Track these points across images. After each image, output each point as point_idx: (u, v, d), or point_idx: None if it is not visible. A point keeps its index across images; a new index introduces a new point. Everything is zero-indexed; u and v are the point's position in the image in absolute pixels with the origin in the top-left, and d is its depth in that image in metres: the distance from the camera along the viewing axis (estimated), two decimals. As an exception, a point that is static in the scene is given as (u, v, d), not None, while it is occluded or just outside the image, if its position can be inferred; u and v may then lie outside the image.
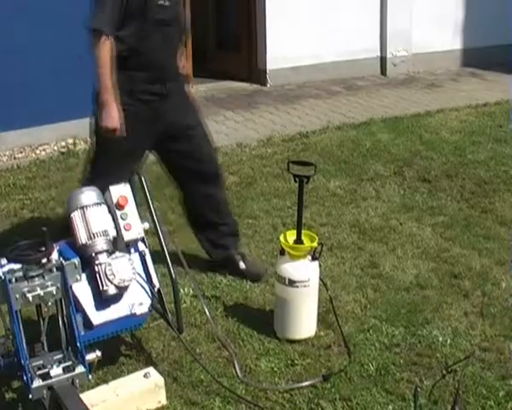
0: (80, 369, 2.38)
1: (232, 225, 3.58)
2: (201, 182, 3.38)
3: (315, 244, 2.98)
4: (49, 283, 2.35)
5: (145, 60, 3.08)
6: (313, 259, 2.99)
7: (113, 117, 3.00)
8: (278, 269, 3.00)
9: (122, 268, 2.57)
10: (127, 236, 2.68)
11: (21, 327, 2.33)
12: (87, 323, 2.55)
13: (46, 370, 2.36)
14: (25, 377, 2.32)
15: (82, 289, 2.56)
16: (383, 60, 8.19)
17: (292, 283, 2.95)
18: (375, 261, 3.71)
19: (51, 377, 2.34)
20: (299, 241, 2.98)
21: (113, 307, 2.61)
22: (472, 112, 6.65)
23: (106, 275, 2.55)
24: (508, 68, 7.97)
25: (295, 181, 2.98)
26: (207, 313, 2.87)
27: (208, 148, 3.49)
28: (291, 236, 3.02)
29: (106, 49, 2.96)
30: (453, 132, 5.98)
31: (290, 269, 2.96)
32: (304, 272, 2.96)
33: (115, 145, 3.08)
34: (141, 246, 2.73)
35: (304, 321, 3.03)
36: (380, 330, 3.07)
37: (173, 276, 2.68)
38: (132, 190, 2.78)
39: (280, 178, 4.82)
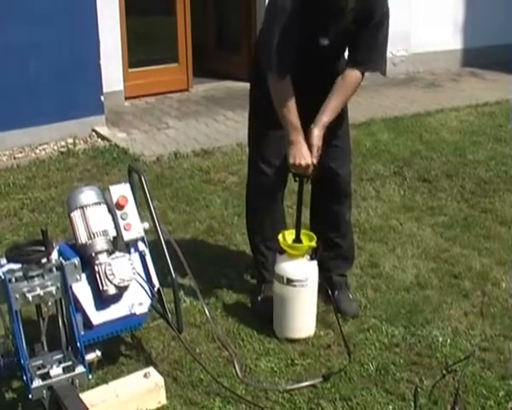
0: (80, 369, 2.38)
1: (346, 248, 3.35)
2: (329, 196, 3.19)
3: (313, 244, 2.98)
4: (49, 283, 2.35)
5: None
6: (311, 258, 2.99)
7: (304, 154, 2.85)
8: (277, 268, 3.00)
9: (122, 268, 2.57)
10: (127, 235, 2.68)
11: (21, 327, 2.33)
12: (87, 323, 2.55)
13: (46, 370, 2.36)
14: (25, 377, 2.32)
15: (82, 289, 2.56)
16: (383, 60, 8.18)
17: (290, 282, 2.95)
18: (374, 261, 3.71)
19: (51, 377, 2.34)
20: (297, 240, 2.98)
21: (112, 306, 2.61)
22: (472, 112, 6.64)
23: (106, 275, 2.55)
24: (508, 68, 7.96)
25: (295, 181, 2.98)
26: (207, 312, 2.86)
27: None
28: (290, 235, 3.02)
29: (281, 88, 2.86)
30: (453, 132, 5.98)
31: (288, 268, 2.96)
32: (302, 271, 2.96)
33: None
34: (141, 246, 2.73)
35: (302, 320, 3.03)
36: (380, 329, 3.07)
37: (173, 276, 2.68)
38: (132, 190, 2.78)
39: (280, 178, 4.81)
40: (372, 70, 2.98)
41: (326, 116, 2.89)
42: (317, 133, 2.86)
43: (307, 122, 2.92)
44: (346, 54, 3.05)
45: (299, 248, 2.97)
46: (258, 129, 3.16)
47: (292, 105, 2.87)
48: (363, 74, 2.95)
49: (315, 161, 2.88)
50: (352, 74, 2.93)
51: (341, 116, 3.04)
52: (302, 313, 3.01)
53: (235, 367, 2.73)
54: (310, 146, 2.86)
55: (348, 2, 2.68)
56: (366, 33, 2.85)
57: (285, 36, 2.78)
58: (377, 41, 2.92)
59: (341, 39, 2.95)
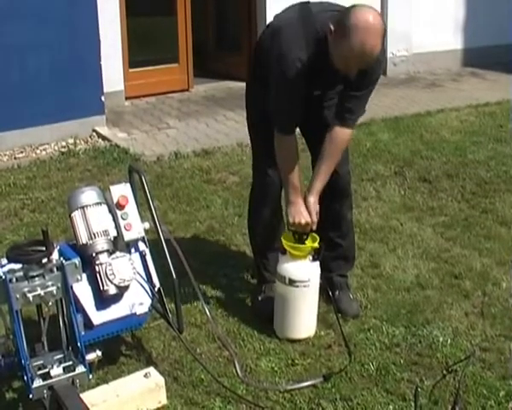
0: (81, 369, 2.38)
1: (347, 248, 3.38)
2: (329, 196, 3.18)
3: (316, 245, 2.98)
4: (50, 283, 2.35)
5: None
6: (314, 259, 2.99)
7: (303, 213, 2.93)
8: (279, 268, 3.00)
9: (122, 268, 2.57)
10: (128, 236, 2.68)
11: (22, 327, 2.33)
12: (87, 323, 2.55)
13: (46, 370, 2.36)
14: (25, 377, 2.32)
15: (82, 289, 2.56)
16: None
17: (292, 282, 2.95)
18: (375, 261, 3.71)
19: (52, 377, 2.34)
20: (300, 241, 2.98)
21: (113, 306, 2.61)
22: (472, 112, 6.64)
23: (106, 275, 2.55)
24: (508, 68, 7.96)
25: (294, 238, 2.99)
26: (208, 312, 2.86)
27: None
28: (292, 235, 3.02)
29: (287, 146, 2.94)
30: (453, 132, 5.97)
31: (290, 269, 2.96)
32: (304, 271, 2.96)
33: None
34: (141, 246, 2.73)
35: (304, 321, 3.03)
36: (380, 330, 3.07)
37: (173, 276, 2.68)
38: (133, 190, 2.78)
39: (280, 178, 4.81)
40: (350, 127, 3.01)
41: (319, 182, 2.99)
42: (313, 200, 2.97)
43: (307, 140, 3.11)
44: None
45: (301, 248, 2.97)
46: (260, 133, 3.17)
47: (295, 165, 2.95)
48: (352, 129, 3.00)
49: (314, 227, 2.97)
50: (342, 133, 2.97)
51: None
52: (303, 314, 3.01)
53: (235, 367, 2.73)
54: (308, 212, 2.95)
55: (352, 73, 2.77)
56: (357, 93, 2.91)
57: (295, 97, 2.85)
58: (365, 100, 2.99)
59: (334, 88, 3.05)
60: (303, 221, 2.93)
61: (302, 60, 2.77)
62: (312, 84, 2.89)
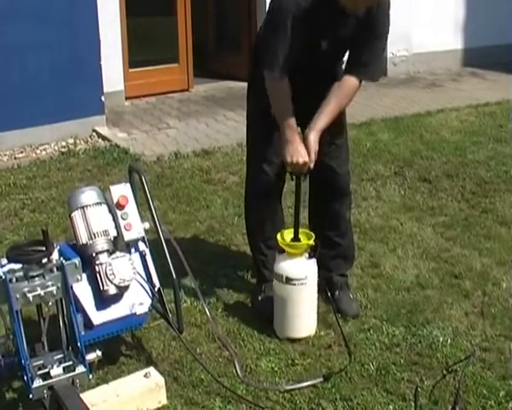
0: (81, 369, 2.38)
1: (346, 247, 3.35)
2: (328, 195, 3.18)
3: (311, 242, 2.98)
4: (50, 283, 2.35)
5: None
6: (310, 257, 2.99)
7: (301, 152, 2.83)
8: (276, 267, 3.00)
9: (122, 268, 2.57)
10: (128, 236, 2.68)
11: (22, 327, 2.33)
12: (87, 323, 2.55)
13: (46, 370, 2.36)
14: (25, 377, 2.32)
15: (82, 289, 2.56)
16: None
17: (289, 280, 2.95)
18: (375, 261, 3.71)
19: (52, 377, 2.34)
20: (296, 239, 2.98)
21: (113, 306, 2.61)
22: (472, 112, 6.64)
23: (106, 275, 2.55)
24: (508, 68, 7.96)
25: (292, 179, 2.97)
26: (208, 312, 2.86)
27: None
28: (288, 234, 3.02)
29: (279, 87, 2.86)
30: (454, 132, 5.98)
31: (287, 267, 2.96)
32: (301, 269, 2.96)
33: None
34: (141, 246, 2.73)
35: (303, 319, 3.03)
36: (380, 329, 3.07)
37: (173, 276, 2.68)
38: (133, 190, 2.78)
39: (280, 178, 4.81)
40: (367, 79, 2.98)
41: (321, 120, 2.88)
42: (313, 137, 2.86)
43: (304, 125, 2.92)
44: (345, 59, 3.05)
45: (297, 246, 2.97)
46: (258, 128, 3.17)
47: (288, 104, 2.86)
48: (360, 82, 2.96)
49: (311, 166, 2.88)
50: (350, 81, 2.93)
51: (340, 115, 3.04)
52: (302, 312, 3.01)
53: (235, 367, 2.73)
54: (306, 150, 2.86)
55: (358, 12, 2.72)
56: (366, 44, 2.87)
57: (287, 37, 2.77)
58: (376, 53, 2.94)
59: (341, 45, 2.97)
60: (301, 160, 2.83)
61: None
62: (318, 32, 2.82)
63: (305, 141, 2.86)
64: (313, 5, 2.73)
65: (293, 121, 2.87)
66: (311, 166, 2.88)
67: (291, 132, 2.86)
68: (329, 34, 2.87)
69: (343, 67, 3.05)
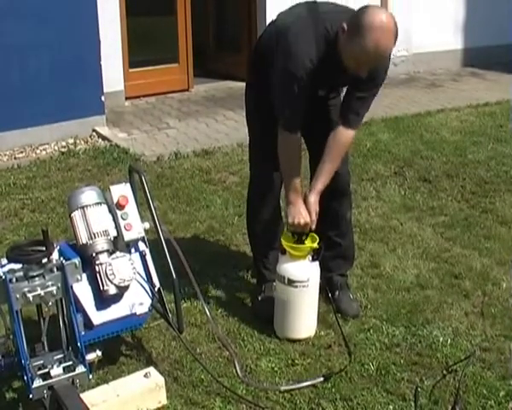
0: (81, 369, 2.38)
1: (346, 247, 3.36)
2: (328, 195, 3.17)
3: (315, 245, 2.98)
4: (50, 283, 2.35)
5: None
6: (314, 259, 2.99)
7: (303, 214, 2.92)
8: (278, 268, 3.00)
9: (122, 268, 2.57)
10: (128, 236, 2.68)
11: (22, 327, 2.33)
12: (87, 323, 2.55)
13: (46, 370, 2.36)
14: (25, 377, 2.31)
15: (82, 289, 2.56)
16: (383, 60, 8.18)
17: (291, 282, 2.95)
18: (375, 261, 3.71)
19: (52, 377, 2.34)
20: (299, 241, 2.98)
21: (113, 306, 2.61)
22: (472, 112, 6.64)
23: (106, 275, 2.55)
24: (508, 68, 7.97)
25: (293, 237, 2.99)
26: (208, 312, 2.86)
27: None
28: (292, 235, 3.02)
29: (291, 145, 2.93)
30: (454, 132, 5.98)
31: (290, 269, 2.96)
32: (303, 272, 2.96)
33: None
34: (141, 246, 2.73)
35: (303, 321, 3.03)
36: (380, 330, 3.07)
37: (174, 276, 2.68)
38: (133, 190, 2.78)
39: (280, 178, 4.81)
40: (355, 128, 3.03)
41: (320, 183, 2.98)
42: (314, 200, 2.97)
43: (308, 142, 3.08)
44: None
45: (301, 249, 2.97)
46: (257, 129, 3.17)
47: (297, 165, 2.96)
48: (354, 130, 3.01)
49: (313, 227, 2.97)
50: (345, 134, 2.99)
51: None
52: (303, 314, 3.01)
53: (235, 367, 2.73)
54: (308, 211, 2.94)
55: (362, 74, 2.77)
56: (361, 94, 2.92)
57: (300, 100, 2.83)
58: (369, 102, 2.99)
59: (338, 89, 3.11)
60: (302, 221, 2.93)
61: (311, 58, 2.76)
62: (318, 84, 2.88)
63: (305, 203, 2.95)
64: (318, 64, 2.78)
65: (298, 183, 2.96)
66: (313, 227, 2.97)
67: (295, 195, 2.95)
68: (328, 83, 3.00)
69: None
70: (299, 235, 2.98)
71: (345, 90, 3.04)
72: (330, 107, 3.12)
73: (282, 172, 3.02)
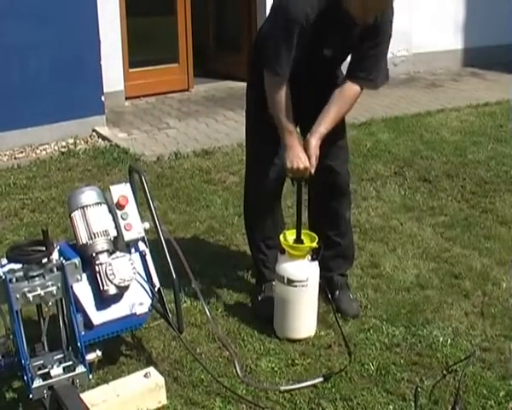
0: (81, 369, 2.38)
1: (345, 247, 3.34)
2: (328, 194, 3.17)
3: (314, 244, 2.97)
4: (50, 283, 2.35)
5: None
6: (313, 259, 2.99)
7: (301, 157, 2.82)
8: (278, 268, 3.00)
9: (122, 268, 2.57)
10: (128, 236, 2.68)
11: (22, 327, 2.33)
12: (87, 323, 2.55)
13: (46, 370, 2.36)
14: (25, 377, 2.31)
15: (82, 289, 2.56)
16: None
17: (290, 282, 2.95)
18: (375, 261, 3.71)
19: (52, 377, 2.34)
20: (298, 240, 2.98)
21: (113, 306, 2.61)
22: (472, 112, 6.64)
23: (106, 275, 2.55)
24: (508, 68, 7.96)
25: (293, 185, 2.98)
26: (208, 312, 2.86)
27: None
28: (291, 235, 3.01)
29: (278, 90, 2.84)
30: (454, 132, 5.98)
31: (289, 268, 2.96)
32: (302, 271, 2.96)
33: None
34: (141, 246, 2.73)
35: (303, 321, 3.03)
36: (380, 330, 3.07)
37: (174, 276, 2.68)
38: (133, 190, 2.78)
39: (280, 178, 4.81)
40: (368, 87, 2.99)
41: (323, 126, 2.88)
42: (315, 143, 2.85)
43: (304, 130, 2.92)
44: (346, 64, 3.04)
45: (300, 248, 2.97)
46: (257, 129, 3.17)
47: (287, 108, 2.85)
48: (361, 89, 2.96)
49: (312, 171, 2.87)
50: (351, 88, 2.94)
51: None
52: (303, 314, 3.01)
53: (235, 367, 2.73)
54: (307, 155, 2.85)
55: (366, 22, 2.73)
56: (368, 51, 2.88)
57: (292, 44, 2.77)
58: (378, 60, 2.94)
59: (343, 52, 2.98)
60: (301, 166, 2.82)
61: (312, 5, 2.71)
62: (322, 41, 2.82)
63: (305, 146, 2.86)
64: (320, 15, 2.73)
65: (292, 125, 2.86)
66: (312, 171, 2.87)
67: (291, 137, 2.85)
68: (333, 42, 2.88)
69: (343, 70, 3.05)
70: (298, 181, 2.89)
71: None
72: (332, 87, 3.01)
73: (274, 118, 2.88)
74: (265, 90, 2.89)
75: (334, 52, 2.92)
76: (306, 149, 2.85)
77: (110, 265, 2.56)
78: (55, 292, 2.36)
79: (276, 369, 2.82)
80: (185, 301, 3.23)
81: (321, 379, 2.73)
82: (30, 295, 2.31)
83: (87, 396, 2.42)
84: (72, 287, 2.44)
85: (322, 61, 2.93)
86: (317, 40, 2.79)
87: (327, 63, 2.98)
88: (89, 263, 2.58)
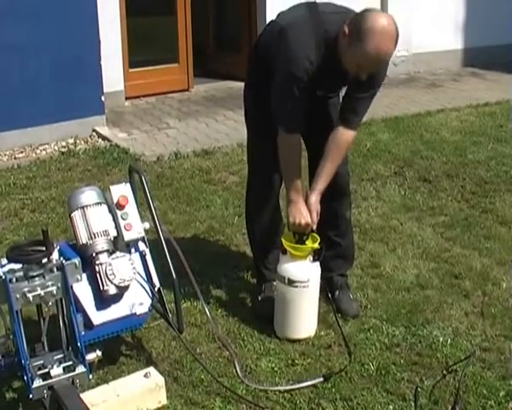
0: (81, 369, 2.38)
1: (345, 247, 3.36)
2: (328, 194, 3.16)
3: (316, 245, 2.97)
4: (50, 283, 2.35)
5: None
6: (314, 260, 2.99)
7: (304, 214, 2.92)
8: (279, 268, 3.00)
9: (122, 268, 2.57)
10: (128, 236, 2.68)
11: (22, 327, 2.33)
12: (87, 323, 2.55)
13: (46, 370, 2.36)
14: (25, 377, 2.31)
15: (82, 289, 2.56)
16: (383, 60, 8.18)
17: (291, 282, 2.95)
18: (375, 261, 3.71)
19: (52, 377, 2.34)
20: (300, 241, 2.98)
21: (113, 306, 2.61)
22: (472, 112, 6.65)
23: (106, 275, 2.55)
24: (508, 68, 7.96)
25: (294, 237, 2.99)
26: (208, 312, 2.86)
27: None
28: (293, 236, 3.01)
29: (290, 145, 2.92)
30: (454, 132, 5.98)
31: (290, 269, 2.96)
32: (304, 272, 2.96)
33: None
34: (141, 246, 2.73)
35: (303, 321, 3.03)
36: (380, 330, 3.07)
37: (174, 276, 2.68)
38: (133, 190, 2.78)
39: (280, 178, 4.81)
40: (354, 129, 3.01)
41: (321, 183, 2.98)
42: (315, 199, 2.96)
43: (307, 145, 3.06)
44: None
45: (302, 249, 2.97)
46: (256, 129, 3.17)
47: (298, 165, 2.94)
48: (355, 131, 3.00)
49: (314, 227, 2.96)
50: (344, 135, 2.98)
51: None
52: (303, 314, 3.01)
53: (235, 367, 2.73)
54: (309, 211, 2.94)
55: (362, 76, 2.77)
56: (362, 94, 2.92)
57: (300, 100, 2.83)
58: (369, 103, 2.98)
59: (337, 90, 3.12)
60: (303, 222, 2.93)
61: (311, 60, 2.77)
62: (318, 85, 2.89)
63: (307, 202, 2.95)
64: (318, 66, 2.79)
65: (299, 183, 2.95)
66: (314, 227, 2.96)
67: (296, 194, 2.94)
68: (327, 84, 2.99)
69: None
70: (300, 235, 2.98)
71: (344, 90, 3.04)
72: (329, 106, 3.12)
73: (282, 173, 3.02)
74: (278, 146, 2.93)
75: (326, 92, 3.06)
76: (307, 205, 2.95)
77: (110, 265, 2.56)
78: (55, 292, 2.36)
79: (276, 369, 2.82)
80: (185, 301, 3.23)
81: (321, 379, 2.73)
82: (30, 295, 2.31)
83: (87, 396, 2.42)
84: (72, 287, 2.44)
85: (314, 99, 2.98)
86: (312, 85, 2.84)
87: (319, 99, 3.06)
88: (89, 263, 2.58)
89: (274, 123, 2.92)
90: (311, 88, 2.84)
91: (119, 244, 2.68)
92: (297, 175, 2.95)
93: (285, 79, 2.84)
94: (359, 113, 2.98)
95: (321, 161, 2.99)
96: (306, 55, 2.77)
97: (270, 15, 8.17)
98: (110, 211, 2.70)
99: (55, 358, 2.42)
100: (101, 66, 5.81)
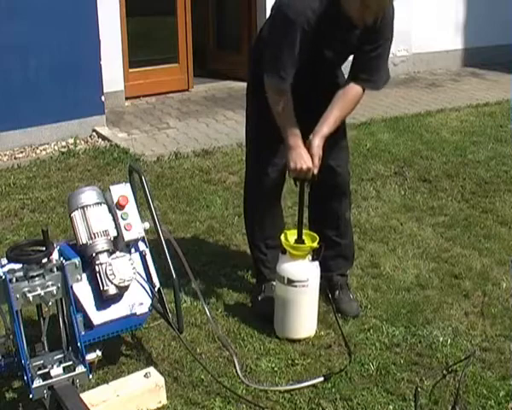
0: (81, 369, 2.38)
1: (345, 247, 3.34)
2: (328, 194, 3.16)
3: (315, 245, 2.97)
4: (50, 283, 2.35)
5: None
6: (313, 259, 2.99)
7: (305, 158, 2.81)
8: (278, 268, 3.00)
9: (122, 268, 2.57)
10: (128, 236, 2.68)
11: (22, 327, 2.33)
12: (87, 323, 2.55)
13: (46, 370, 2.36)
14: (25, 377, 2.31)
15: (82, 289, 2.56)
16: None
17: (290, 282, 2.95)
18: (375, 261, 3.71)
19: (52, 377, 2.34)
20: (300, 241, 2.98)
21: (113, 306, 2.61)
22: (472, 112, 6.65)
23: (106, 275, 2.55)
24: (508, 68, 7.97)
25: (296, 185, 2.97)
26: (208, 312, 2.86)
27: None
28: (292, 235, 3.01)
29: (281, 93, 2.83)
30: (454, 132, 5.98)
31: (289, 268, 2.96)
32: (303, 272, 2.96)
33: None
34: (141, 246, 2.73)
35: (303, 321, 3.03)
36: (380, 330, 3.07)
37: (174, 276, 2.68)
38: (133, 190, 2.78)
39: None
40: (370, 88, 2.98)
41: (326, 127, 2.87)
42: (318, 143, 2.84)
43: (306, 132, 2.90)
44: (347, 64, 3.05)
45: (301, 248, 2.97)
46: (258, 128, 3.16)
47: (290, 110, 2.85)
48: (364, 90, 2.96)
49: (315, 171, 2.86)
50: (354, 89, 2.93)
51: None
52: (303, 314, 3.01)
53: (235, 367, 2.73)
54: (310, 156, 2.84)
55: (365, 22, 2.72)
56: (369, 54, 2.88)
57: (294, 48, 2.76)
58: (379, 62, 2.94)
59: (344, 54, 2.98)
60: (304, 166, 2.80)
61: (314, 9, 2.70)
62: (323, 43, 2.82)
63: (308, 146, 2.85)
64: (321, 18, 2.73)
65: (296, 127, 2.84)
66: (315, 171, 2.85)
67: (294, 138, 2.83)
68: (334, 44, 2.87)
69: (344, 71, 3.05)
70: (302, 182, 2.88)
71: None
72: (333, 85, 3.01)
73: (276, 121, 2.87)
74: (267, 92, 2.87)
75: (334, 54, 2.92)
76: (309, 149, 2.84)
77: (110, 265, 2.56)
78: (55, 292, 2.36)
79: (276, 369, 2.82)
80: (185, 301, 3.24)
81: (321, 379, 2.73)
82: (30, 295, 2.31)
83: (87, 396, 2.42)
84: (72, 287, 2.44)
85: (322, 63, 2.93)
86: (317, 43, 2.79)
87: (327, 65, 2.98)
88: (89, 263, 2.58)
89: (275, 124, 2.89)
90: (316, 46, 2.76)
91: (119, 244, 2.68)
92: (292, 121, 2.83)
93: (282, 25, 2.75)
94: (367, 70, 2.90)
95: (328, 109, 2.88)
96: (309, 4, 2.70)
97: (270, 15, 8.11)
98: (110, 211, 2.70)
99: (55, 358, 2.42)
100: (101, 66, 5.81)
